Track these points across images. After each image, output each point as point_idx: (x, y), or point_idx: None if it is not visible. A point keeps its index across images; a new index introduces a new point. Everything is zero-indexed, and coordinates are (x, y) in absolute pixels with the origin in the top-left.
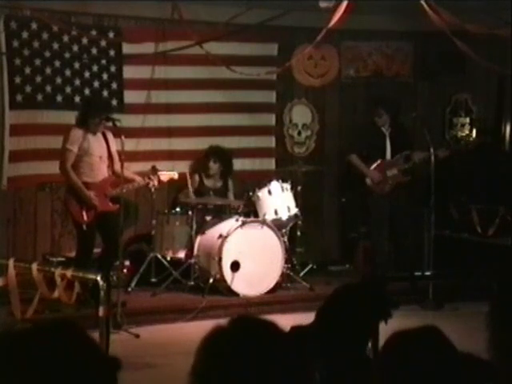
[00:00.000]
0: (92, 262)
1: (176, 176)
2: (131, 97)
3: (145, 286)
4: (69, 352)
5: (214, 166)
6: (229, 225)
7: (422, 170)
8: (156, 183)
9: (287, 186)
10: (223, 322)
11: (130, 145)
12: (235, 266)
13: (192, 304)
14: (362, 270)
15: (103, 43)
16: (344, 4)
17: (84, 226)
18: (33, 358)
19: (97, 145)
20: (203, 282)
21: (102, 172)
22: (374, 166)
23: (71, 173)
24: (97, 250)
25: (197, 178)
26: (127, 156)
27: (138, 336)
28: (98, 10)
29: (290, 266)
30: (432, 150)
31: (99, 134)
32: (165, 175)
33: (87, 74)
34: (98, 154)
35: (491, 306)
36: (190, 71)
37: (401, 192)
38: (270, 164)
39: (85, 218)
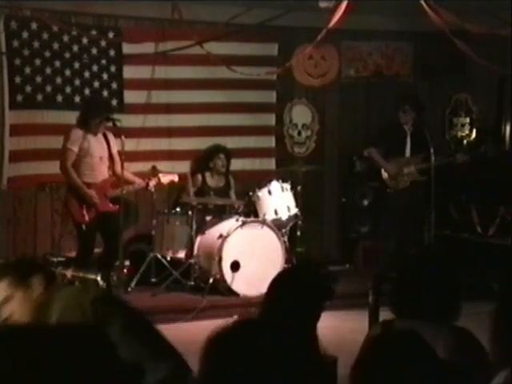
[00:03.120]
0: (93, 262)
1: (176, 179)
2: (131, 97)
3: (145, 286)
4: (90, 357)
5: (222, 163)
6: (229, 225)
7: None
8: (156, 184)
9: (287, 186)
10: (225, 322)
11: (130, 145)
12: (235, 266)
13: (192, 304)
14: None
15: (103, 43)
16: (344, 4)
17: (83, 226)
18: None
19: (97, 145)
20: (203, 282)
21: (102, 173)
22: (392, 161)
23: (72, 172)
24: (98, 250)
25: (199, 177)
26: (127, 156)
27: None
28: (98, 10)
29: (289, 265)
30: (432, 150)
31: (100, 135)
32: (165, 178)
33: (87, 74)
34: (99, 154)
35: (494, 306)
36: (190, 71)
37: (418, 192)
38: (270, 164)
39: (85, 217)
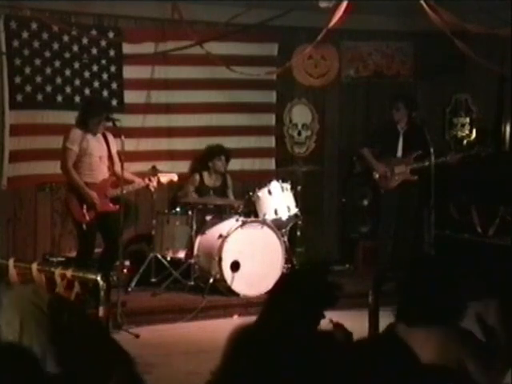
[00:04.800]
0: (93, 262)
1: (176, 178)
2: (131, 97)
3: (145, 286)
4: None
5: (222, 164)
6: (229, 225)
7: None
8: (155, 184)
9: (287, 186)
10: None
11: (130, 145)
12: (235, 266)
13: (192, 304)
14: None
15: (103, 43)
16: (344, 4)
17: (84, 226)
18: None
19: (97, 145)
20: (203, 282)
21: (101, 172)
22: (384, 161)
23: (73, 172)
24: (98, 250)
25: (197, 177)
26: (127, 156)
27: (137, 336)
28: (98, 10)
29: (289, 266)
30: (432, 150)
31: (99, 135)
32: (165, 177)
33: (87, 74)
34: (98, 154)
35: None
36: (190, 71)
37: (411, 192)
38: (270, 164)
39: (86, 217)
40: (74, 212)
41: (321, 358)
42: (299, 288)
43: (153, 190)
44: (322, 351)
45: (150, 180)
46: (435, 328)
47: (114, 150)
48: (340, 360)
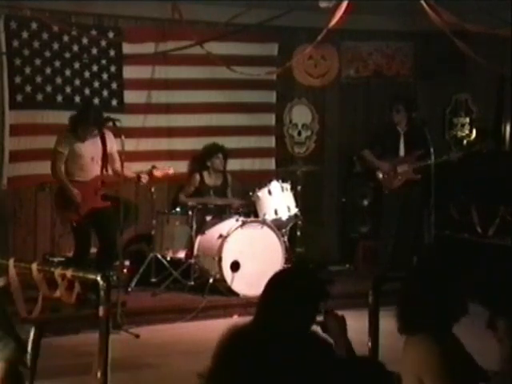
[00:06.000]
0: (90, 261)
1: (171, 171)
2: (131, 97)
3: (145, 286)
4: None
5: (220, 162)
6: (229, 225)
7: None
8: (147, 177)
9: (287, 186)
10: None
11: (130, 145)
12: (235, 266)
13: (192, 304)
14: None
15: (103, 43)
16: (344, 4)
17: (74, 224)
18: None
19: (89, 146)
20: (203, 282)
21: (93, 172)
22: (387, 161)
23: (60, 173)
24: (95, 250)
25: (197, 177)
26: (127, 156)
27: (138, 336)
28: (98, 10)
29: (290, 265)
30: (432, 150)
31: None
32: (158, 171)
33: (87, 74)
34: (90, 155)
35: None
36: (190, 71)
37: (414, 192)
38: (270, 164)
39: (74, 216)
40: (64, 213)
41: (315, 357)
42: (288, 285)
43: (144, 181)
44: (315, 350)
45: (141, 172)
46: (415, 337)
47: (113, 149)
48: (333, 360)
